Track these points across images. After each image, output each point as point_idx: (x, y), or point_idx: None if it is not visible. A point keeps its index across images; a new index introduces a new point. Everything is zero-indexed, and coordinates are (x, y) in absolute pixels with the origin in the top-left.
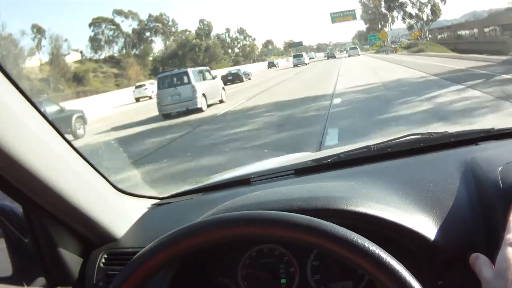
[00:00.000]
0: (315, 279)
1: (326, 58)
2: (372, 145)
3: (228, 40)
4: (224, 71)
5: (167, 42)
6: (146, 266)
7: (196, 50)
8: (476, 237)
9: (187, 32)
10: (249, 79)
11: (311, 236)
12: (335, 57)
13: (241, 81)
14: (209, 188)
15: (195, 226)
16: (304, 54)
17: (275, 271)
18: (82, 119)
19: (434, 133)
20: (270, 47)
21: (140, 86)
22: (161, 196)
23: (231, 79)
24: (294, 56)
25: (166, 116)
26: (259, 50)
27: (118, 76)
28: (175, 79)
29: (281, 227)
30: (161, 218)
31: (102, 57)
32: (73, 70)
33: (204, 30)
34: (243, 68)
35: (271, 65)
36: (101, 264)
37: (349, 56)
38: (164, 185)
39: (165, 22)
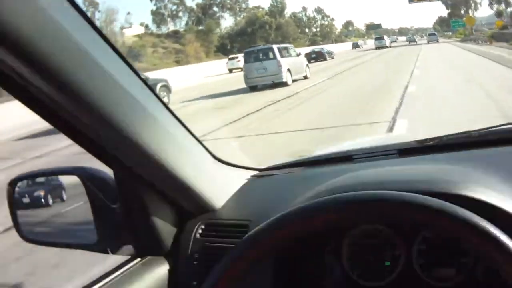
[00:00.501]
0: (420, 263)
1: (408, 42)
2: (473, 130)
3: (304, 19)
4: (307, 49)
5: (237, 18)
6: (265, 242)
7: (266, 28)
8: None
9: (259, 9)
10: (332, 58)
11: (444, 220)
12: (416, 42)
13: (325, 59)
14: (310, 162)
15: (324, 203)
16: (385, 37)
17: (380, 252)
18: (167, 87)
19: None
20: (350, 28)
21: (233, 58)
22: (260, 167)
23: (314, 57)
24: (376, 39)
25: (252, 88)
26: (337, 30)
27: (179, 52)
28: (260, 54)
29: (420, 210)
30: (262, 191)
31: (166, 31)
32: (128, 44)
33: (277, 7)
34: (326, 47)
35: (355, 45)
36: (197, 235)
37: (428, 42)
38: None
39: None
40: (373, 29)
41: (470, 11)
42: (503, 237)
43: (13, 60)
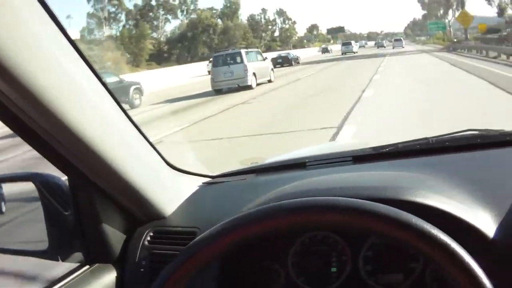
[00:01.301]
0: (366, 270)
1: (376, 47)
2: (430, 137)
3: (263, 22)
4: (274, 54)
5: (182, 22)
6: (208, 250)
7: (210, 32)
8: None
9: (211, 10)
10: (298, 63)
11: (392, 226)
12: (384, 47)
13: (290, 64)
14: (263, 169)
15: (266, 211)
16: (353, 42)
17: (326, 259)
18: (139, 90)
19: (491, 130)
20: (315, 32)
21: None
22: (213, 174)
23: (280, 62)
24: (343, 44)
25: (217, 91)
26: (298, 35)
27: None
28: (228, 58)
29: (366, 216)
30: (213, 198)
31: (103, 37)
32: None
33: (231, 8)
34: (292, 52)
35: (324, 50)
36: (146, 242)
37: (393, 47)
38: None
39: None
40: (335, 32)
41: (451, 11)
42: (449, 241)
43: None
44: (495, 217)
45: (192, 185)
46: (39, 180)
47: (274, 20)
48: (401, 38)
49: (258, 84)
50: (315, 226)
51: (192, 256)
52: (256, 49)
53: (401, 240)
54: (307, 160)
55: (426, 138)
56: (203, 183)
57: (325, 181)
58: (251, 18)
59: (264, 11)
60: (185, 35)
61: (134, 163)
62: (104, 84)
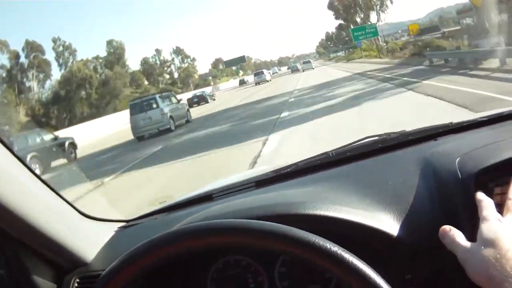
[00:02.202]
0: (283, 286)
1: (290, 71)
2: (330, 151)
3: (158, 64)
4: (189, 94)
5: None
6: (117, 279)
7: (86, 87)
8: (437, 228)
9: (79, 62)
10: (214, 99)
11: (275, 242)
12: (299, 70)
13: (207, 102)
14: (173, 207)
15: (160, 238)
16: (265, 71)
17: (243, 281)
18: (73, 145)
19: (392, 133)
20: (221, 66)
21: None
22: (127, 218)
23: (196, 101)
24: (255, 74)
25: (139, 138)
26: (198, 73)
27: None
28: (145, 104)
29: (238, 233)
30: (129, 240)
31: None
32: None
33: (115, 54)
34: (207, 90)
35: (242, 82)
36: None
37: (303, 70)
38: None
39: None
40: (237, 63)
41: (374, 14)
42: (338, 251)
43: None
44: (398, 215)
45: (110, 230)
46: None
47: (173, 59)
48: (310, 60)
49: (176, 126)
50: (210, 248)
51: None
52: (170, 93)
53: (287, 254)
54: (214, 192)
55: (326, 153)
56: (118, 227)
57: (226, 208)
58: (144, 61)
59: (158, 52)
60: (58, 94)
61: (47, 216)
62: (6, 146)
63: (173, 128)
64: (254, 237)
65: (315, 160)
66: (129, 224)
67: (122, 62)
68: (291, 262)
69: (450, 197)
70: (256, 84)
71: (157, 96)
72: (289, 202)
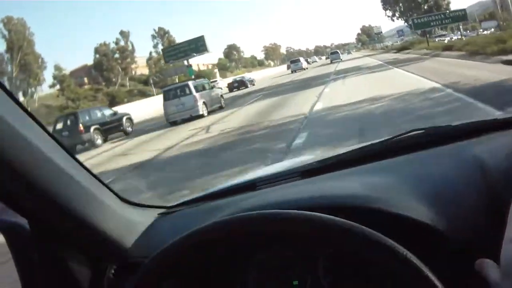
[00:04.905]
0: (327, 280)
1: (330, 62)
2: (376, 142)
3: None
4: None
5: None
6: (156, 271)
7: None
8: (484, 230)
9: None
10: (253, 84)
11: (332, 233)
12: (341, 59)
13: (246, 86)
14: (215, 195)
15: (205, 228)
16: (301, 59)
17: (286, 273)
18: (130, 119)
19: (437, 127)
20: (235, 55)
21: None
22: (167, 205)
23: (236, 85)
24: (291, 62)
25: (172, 123)
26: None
27: None
28: (178, 91)
29: (296, 224)
30: (168, 227)
31: None
32: None
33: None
34: (247, 75)
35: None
36: (111, 276)
37: (331, 62)
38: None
39: None
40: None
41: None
42: (395, 246)
43: None
44: (445, 212)
45: (149, 217)
46: (4, 226)
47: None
48: (337, 51)
49: (209, 112)
50: (253, 237)
51: (145, 276)
52: (203, 79)
53: (345, 246)
54: (257, 181)
55: (371, 144)
56: (158, 214)
57: (272, 198)
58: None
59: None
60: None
61: (88, 203)
62: (44, 128)
63: (205, 114)
64: (314, 229)
65: (360, 152)
66: (170, 211)
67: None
68: (336, 257)
69: (499, 198)
70: (292, 72)
71: (190, 82)
72: (338, 194)
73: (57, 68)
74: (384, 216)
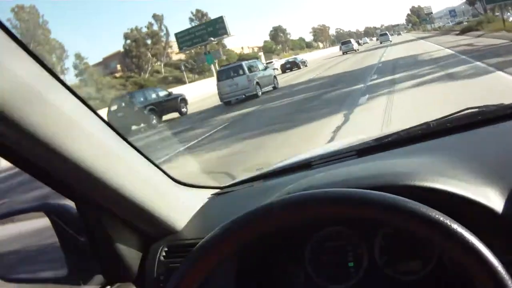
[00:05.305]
0: (383, 260)
1: (380, 42)
2: (430, 121)
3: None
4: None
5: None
6: (218, 248)
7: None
8: None
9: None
10: (306, 66)
11: (398, 214)
12: (391, 41)
13: (299, 67)
14: (269, 174)
15: (271, 206)
16: (352, 40)
17: (342, 254)
18: (184, 100)
19: (491, 105)
20: (282, 36)
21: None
22: (221, 185)
23: (289, 66)
24: (342, 43)
25: (226, 103)
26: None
27: None
28: (231, 71)
29: (369, 206)
30: (222, 207)
31: None
32: None
33: None
34: (299, 57)
35: (345, 48)
36: (162, 258)
37: (381, 43)
38: None
39: None
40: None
41: None
42: (455, 226)
43: None
44: (502, 192)
45: (202, 197)
46: (50, 209)
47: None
48: (386, 32)
49: (263, 93)
50: (318, 218)
51: (204, 255)
52: (256, 60)
53: (405, 226)
54: (312, 160)
55: (427, 123)
56: (212, 194)
57: (330, 176)
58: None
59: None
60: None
61: (138, 183)
62: (102, 118)
63: (259, 94)
64: (374, 209)
65: (416, 130)
66: (223, 191)
67: None
68: (392, 237)
69: None
70: (343, 53)
71: (243, 63)
72: (395, 172)
73: (78, 57)
74: (440, 195)
